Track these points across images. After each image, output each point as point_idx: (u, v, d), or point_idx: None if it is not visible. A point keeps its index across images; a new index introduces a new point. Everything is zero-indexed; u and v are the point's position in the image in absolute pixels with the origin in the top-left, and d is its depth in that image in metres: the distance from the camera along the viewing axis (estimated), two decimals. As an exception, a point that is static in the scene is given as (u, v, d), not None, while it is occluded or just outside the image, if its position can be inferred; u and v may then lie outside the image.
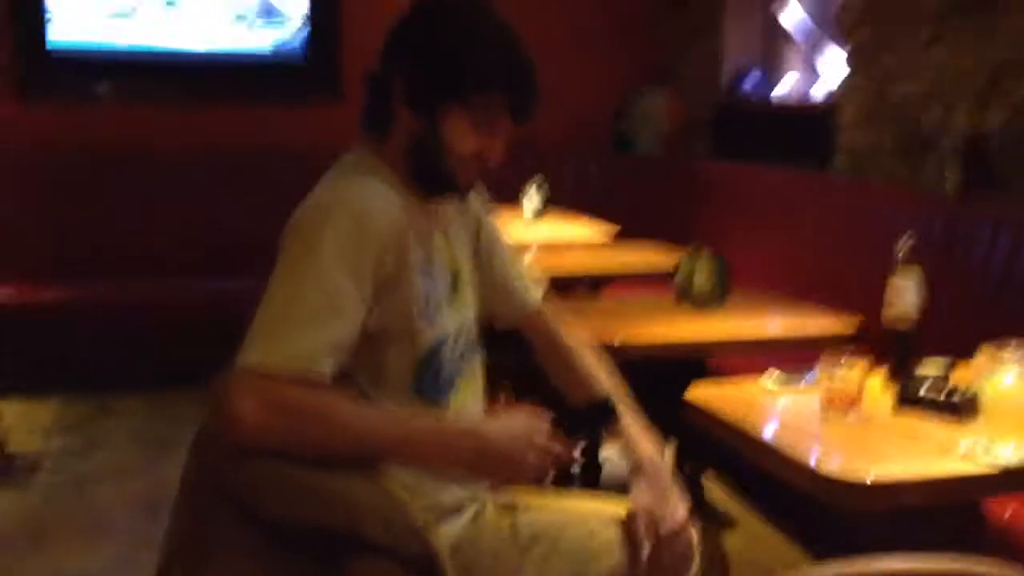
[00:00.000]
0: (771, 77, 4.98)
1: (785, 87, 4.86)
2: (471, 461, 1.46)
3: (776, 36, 4.99)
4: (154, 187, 4.80)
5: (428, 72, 1.54)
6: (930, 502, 1.55)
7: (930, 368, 1.83)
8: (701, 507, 2.98)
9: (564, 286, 3.41)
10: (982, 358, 1.55)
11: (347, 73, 5.06)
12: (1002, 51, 3.26)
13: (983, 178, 3.25)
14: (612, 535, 1.58)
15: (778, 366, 1.92)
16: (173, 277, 4.52)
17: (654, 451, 1.61)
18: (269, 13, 5.06)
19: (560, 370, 1.78)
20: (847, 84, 4.01)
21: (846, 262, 3.38)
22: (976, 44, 3.35)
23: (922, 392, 1.71)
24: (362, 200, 1.50)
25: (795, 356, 2.05)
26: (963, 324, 2.05)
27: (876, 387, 1.78)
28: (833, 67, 4.41)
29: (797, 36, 4.82)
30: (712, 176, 4.63)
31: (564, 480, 2.57)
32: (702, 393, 1.84)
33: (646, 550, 1.52)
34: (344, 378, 1.46)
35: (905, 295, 1.86)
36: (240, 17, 5.01)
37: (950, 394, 1.68)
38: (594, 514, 1.63)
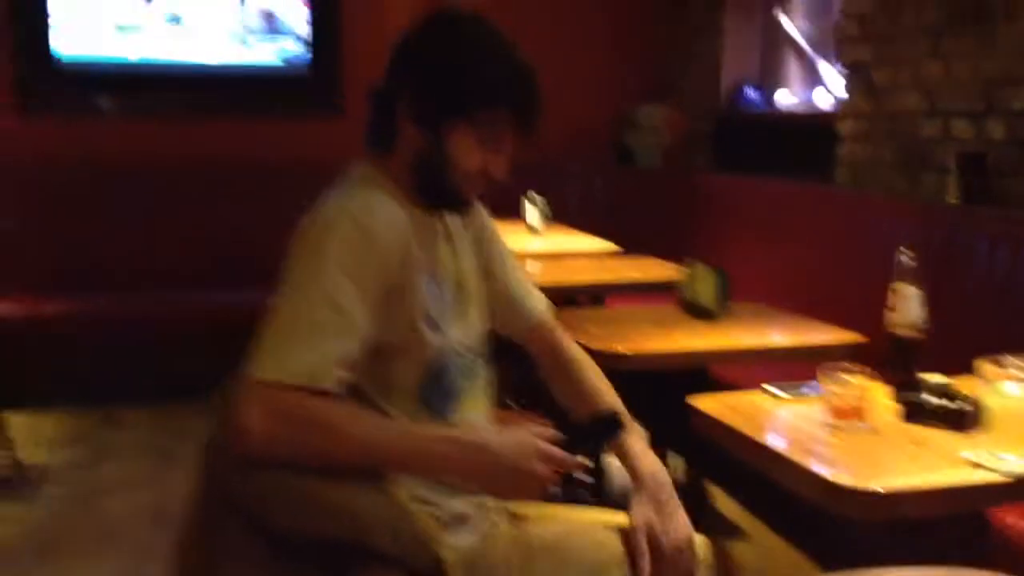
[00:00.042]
0: (771, 90, 5.00)
1: (785, 99, 4.89)
2: (478, 473, 1.48)
3: (776, 49, 5.02)
4: (157, 200, 4.82)
5: (434, 89, 1.55)
6: (937, 511, 1.56)
7: (932, 380, 1.84)
8: (707, 517, 2.99)
9: (566, 298, 3.44)
10: (985, 368, 1.56)
11: (348, 88, 5.09)
12: (999, 64, 3.28)
13: (982, 191, 3.27)
14: (619, 546, 1.58)
15: (779, 377, 1.93)
16: (177, 290, 4.54)
17: (655, 467, 1.62)
18: (271, 28, 5.09)
19: (563, 384, 1.80)
20: (845, 99, 4.03)
21: (846, 274, 3.39)
22: (973, 57, 3.38)
23: (926, 402, 1.73)
24: (367, 212, 1.51)
25: (796, 368, 2.07)
26: (962, 337, 2.06)
27: (880, 397, 1.80)
28: (832, 79, 4.44)
29: (797, 48, 4.85)
30: (713, 189, 4.65)
31: (570, 492, 2.58)
32: (707, 402, 1.85)
33: (647, 566, 1.53)
34: (351, 389, 1.48)
35: (909, 302, 1.87)
36: (242, 32, 5.04)
37: (955, 403, 1.70)
38: (601, 525, 1.63)
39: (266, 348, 1.41)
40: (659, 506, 1.58)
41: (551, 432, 1.50)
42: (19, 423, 3.94)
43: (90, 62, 4.87)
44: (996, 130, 3.30)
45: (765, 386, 1.89)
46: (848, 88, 4.01)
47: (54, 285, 4.42)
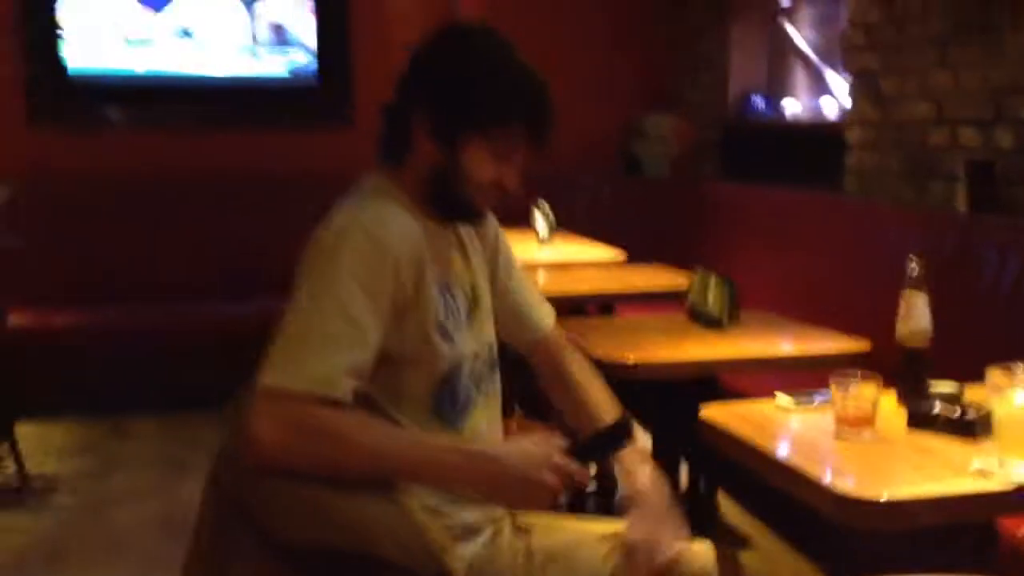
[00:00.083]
0: (778, 99, 5.01)
1: (792, 108, 4.89)
2: (487, 483, 1.48)
3: (783, 58, 5.03)
4: (166, 211, 4.85)
5: (449, 104, 1.56)
6: (944, 520, 1.55)
7: (941, 388, 1.84)
8: (715, 526, 2.99)
9: (575, 307, 3.44)
10: (993, 377, 1.56)
11: (357, 99, 5.11)
12: (1007, 72, 3.28)
13: (990, 199, 3.27)
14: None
15: (788, 386, 1.93)
16: (186, 300, 4.56)
17: (652, 482, 1.62)
18: (280, 41, 5.11)
19: (565, 399, 1.80)
20: (853, 108, 4.03)
21: (855, 283, 3.39)
22: (981, 66, 3.38)
23: (935, 411, 1.72)
24: (380, 223, 1.52)
25: (805, 376, 2.06)
26: (971, 346, 2.05)
27: (889, 406, 1.79)
28: (839, 88, 4.44)
29: (804, 57, 4.85)
30: (720, 197, 4.65)
31: (578, 502, 2.59)
32: (716, 412, 1.85)
33: None
34: (362, 398, 1.48)
35: (919, 312, 1.87)
36: (251, 44, 5.07)
37: (963, 413, 1.69)
38: (607, 536, 1.64)
39: (278, 358, 1.42)
40: (653, 520, 1.58)
41: (560, 442, 1.51)
42: (28, 433, 3.95)
43: (100, 74, 4.91)
44: (1004, 138, 3.30)
45: (778, 395, 1.88)
46: (855, 97, 4.01)
47: (63, 296, 4.45)
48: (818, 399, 1.84)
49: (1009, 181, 3.26)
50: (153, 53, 4.94)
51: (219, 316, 4.48)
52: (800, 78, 4.95)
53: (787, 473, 1.62)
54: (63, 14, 4.80)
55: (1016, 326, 2.74)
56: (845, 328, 2.62)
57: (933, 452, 1.64)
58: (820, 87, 4.76)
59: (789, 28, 4.97)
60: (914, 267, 1.88)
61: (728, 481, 3.08)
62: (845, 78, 4.19)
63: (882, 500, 1.47)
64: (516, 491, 1.47)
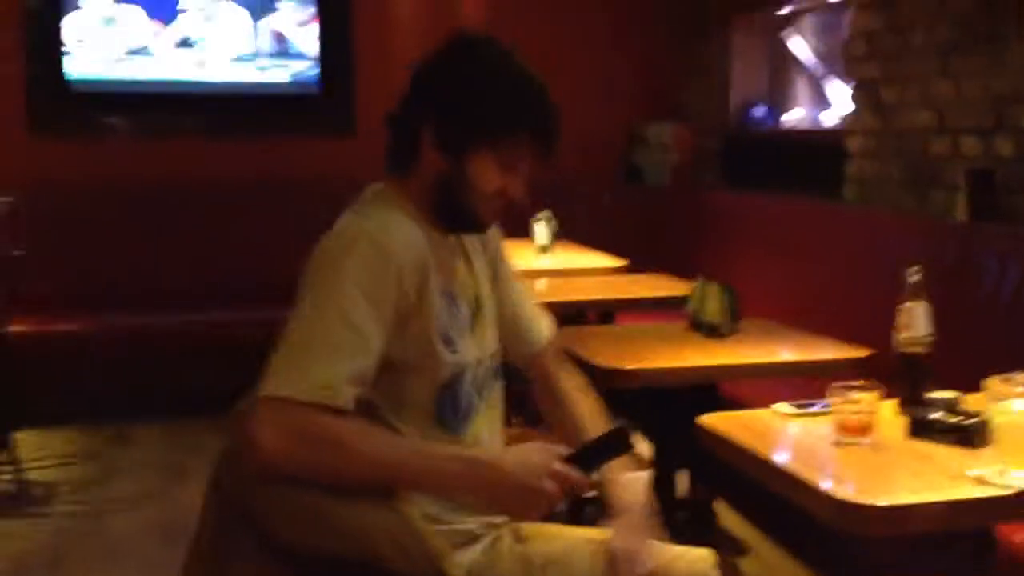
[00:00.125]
0: (779, 108, 5.02)
1: (793, 117, 4.90)
2: (488, 490, 1.48)
3: (784, 67, 5.04)
4: (168, 219, 4.86)
5: (456, 115, 1.57)
6: (943, 527, 1.56)
7: (940, 397, 1.84)
8: (715, 533, 2.99)
9: (575, 315, 3.45)
10: (992, 385, 1.57)
11: (360, 109, 5.12)
12: (1009, 82, 3.29)
13: (990, 208, 3.27)
14: None
15: (788, 393, 1.93)
16: (187, 308, 4.57)
17: (636, 496, 1.62)
18: (282, 50, 5.13)
19: (556, 414, 1.80)
20: (854, 116, 4.04)
21: (855, 291, 3.40)
22: (982, 75, 3.39)
23: (934, 418, 1.73)
24: (385, 231, 1.53)
25: (805, 384, 2.07)
26: (971, 355, 2.06)
27: (888, 414, 1.80)
28: (841, 95, 4.45)
29: (805, 66, 4.87)
30: (721, 206, 4.66)
31: (577, 509, 2.59)
32: (715, 420, 1.86)
33: None
34: (365, 405, 1.49)
35: (918, 320, 1.87)
36: (254, 53, 5.08)
37: (962, 420, 1.70)
38: (603, 543, 1.64)
39: (281, 365, 1.42)
40: (633, 531, 1.58)
41: (559, 449, 1.51)
42: (29, 440, 3.96)
43: (102, 83, 4.92)
44: (1005, 147, 3.31)
45: (775, 407, 1.89)
46: (856, 105, 4.03)
47: (64, 304, 4.45)
48: (817, 408, 1.85)
49: (1009, 190, 3.27)
50: (155, 62, 4.96)
51: (219, 323, 4.48)
52: (801, 87, 4.96)
53: (787, 480, 1.63)
54: (65, 23, 4.81)
55: (1016, 334, 2.75)
56: (845, 336, 2.62)
57: (932, 459, 1.64)
58: (821, 96, 4.77)
59: (790, 37, 4.98)
60: (914, 275, 1.89)
61: (727, 488, 3.08)
62: (846, 87, 4.20)
63: (881, 506, 1.47)
64: (516, 499, 1.47)
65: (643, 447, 2.71)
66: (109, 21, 4.88)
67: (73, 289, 4.57)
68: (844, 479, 1.61)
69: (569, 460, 1.49)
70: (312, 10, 5.12)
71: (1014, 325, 2.78)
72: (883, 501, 1.48)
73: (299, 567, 1.43)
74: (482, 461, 1.49)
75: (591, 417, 1.76)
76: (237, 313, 4.47)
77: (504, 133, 1.57)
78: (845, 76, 4.23)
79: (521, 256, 3.79)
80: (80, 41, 4.84)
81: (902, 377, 1.88)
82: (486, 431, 1.67)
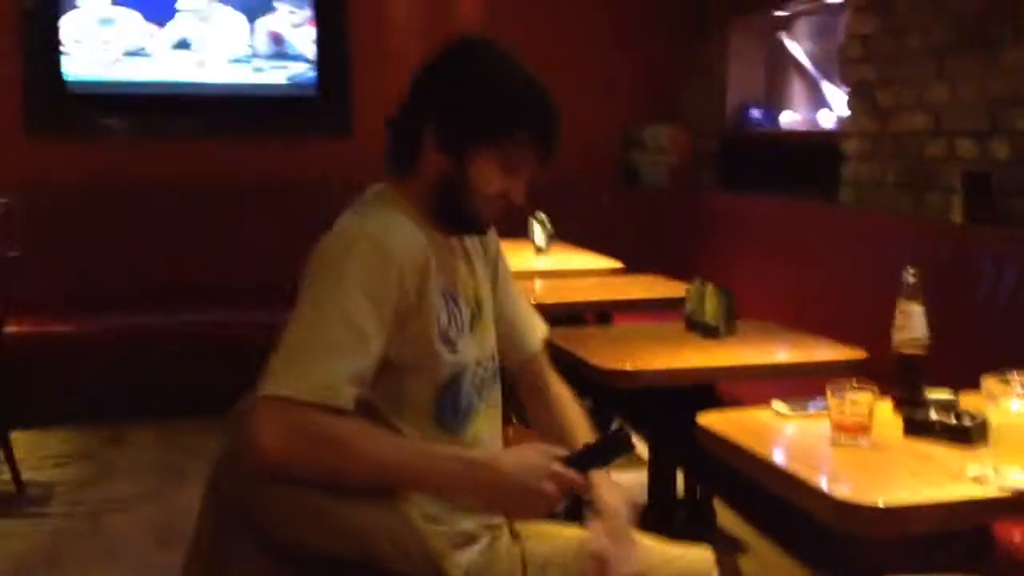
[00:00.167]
0: (776, 110, 5.03)
1: (790, 119, 4.91)
2: (487, 491, 1.48)
3: (780, 69, 5.05)
4: (164, 220, 4.86)
5: (458, 117, 1.58)
6: (941, 527, 1.57)
7: (936, 395, 1.85)
8: (714, 531, 2.99)
9: (572, 316, 3.45)
10: (989, 384, 1.57)
11: (356, 110, 5.13)
12: (1005, 85, 3.30)
13: (986, 210, 3.28)
14: None
15: (785, 394, 1.94)
16: (184, 308, 4.57)
17: (619, 500, 1.62)
18: (279, 51, 5.13)
19: (543, 420, 1.80)
20: (850, 118, 4.05)
21: (852, 292, 3.41)
22: (979, 78, 3.40)
23: (931, 418, 1.74)
24: (386, 232, 1.53)
25: (802, 385, 2.07)
26: (967, 356, 2.07)
27: (885, 414, 1.80)
28: (837, 99, 4.47)
29: (801, 69, 4.88)
30: (718, 208, 4.67)
31: (576, 510, 2.59)
32: (714, 419, 1.86)
33: None
34: (365, 405, 1.49)
35: (915, 320, 1.88)
36: (250, 55, 5.08)
37: (959, 419, 1.71)
38: (583, 543, 1.64)
39: (282, 364, 1.43)
40: (616, 537, 1.57)
41: (558, 451, 1.52)
42: (25, 441, 3.96)
43: (99, 84, 4.92)
44: (1001, 150, 3.32)
45: (774, 403, 1.89)
46: (852, 108, 4.04)
47: (61, 304, 4.45)
48: (812, 407, 1.85)
49: (1005, 192, 3.28)
50: (152, 63, 4.95)
51: (216, 324, 4.48)
52: (798, 89, 4.97)
53: (786, 480, 1.63)
54: (62, 24, 4.81)
55: (1012, 336, 2.75)
56: (842, 337, 2.63)
57: (929, 459, 1.65)
58: (818, 98, 4.78)
59: (787, 40, 4.99)
60: (910, 277, 1.89)
61: (723, 487, 3.08)
62: (843, 89, 4.21)
63: (880, 507, 1.48)
64: (515, 500, 1.48)
65: (641, 449, 2.72)
66: (106, 22, 4.88)
67: (70, 290, 4.57)
68: (842, 479, 1.61)
69: (567, 461, 1.50)
70: (309, 12, 5.13)
71: (1010, 327, 2.79)
72: (882, 501, 1.48)
73: (299, 568, 1.43)
74: (482, 462, 1.49)
75: (579, 425, 1.76)
76: (234, 314, 4.48)
77: (505, 135, 1.57)
78: (841, 79, 4.24)
79: (518, 257, 3.79)
80: (77, 42, 4.84)
81: (899, 377, 1.89)
82: (486, 431, 1.67)
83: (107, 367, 4.37)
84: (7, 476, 3.64)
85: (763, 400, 1.94)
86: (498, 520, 1.68)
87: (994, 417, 1.56)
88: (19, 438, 3.83)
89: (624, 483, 1.69)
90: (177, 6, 4.96)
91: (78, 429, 4.30)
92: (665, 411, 2.57)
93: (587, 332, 3.13)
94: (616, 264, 3.93)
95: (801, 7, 4.79)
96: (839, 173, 4.07)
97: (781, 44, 5.01)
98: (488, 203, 1.61)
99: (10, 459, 3.63)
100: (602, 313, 3.68)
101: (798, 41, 4.95)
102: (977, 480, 1.53)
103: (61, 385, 4.37)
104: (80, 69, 4.86)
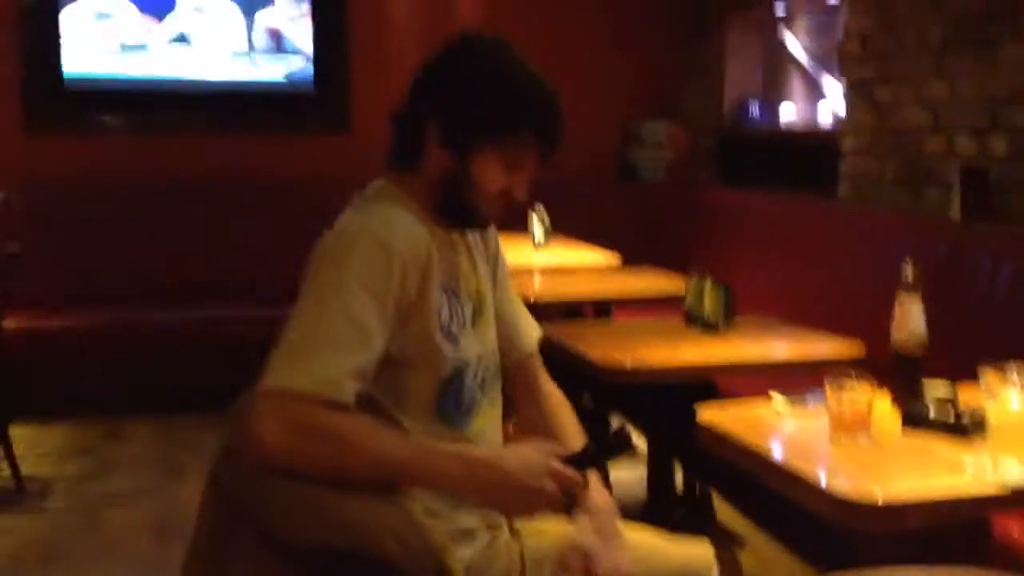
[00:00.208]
0: (774, 105, 5.03)
1: (788, 115, 4.92)
2: (487, 490, 1.48)
3: (779, 65, 5.05)
4: (162, 215, 4.86)
5: (462, 114, 1.58)
6: (940, 521, 1.57)
7: (935, 390, 1.85)
8: (712, 526, 3.00)
9: (571, 311, 3.46)
10: (987, 378, 1.58)
11: (355, 106, 5.12)
12: (1003, 81, 3.31)
13: (984, 207, 3.29)
14: None
15: (784, 389, 1.94)
16: (182, 304, 4.56)
17: (607, 502, 1.61)
18: (277, 47, 5.12)
19: (536, 419, 1.79)
20: (848, 115, 4.06)
21: (850, 288, 3.41)
22: (978, 75, 3.40)
23: (930, 413, 1.74)
24: (388, 228, 1.53)
25: (801, 379, 2.08)
26: (964, 352, 2.07)
27: (883, 408, 1.81)
28: (835, 95, 4.47)
29: (800, 64, 4.88)
30: (716, 203, 4.67)
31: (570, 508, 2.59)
32: (713, 415, 1.87)
33: None
34: (367, 399, 1.49)
35: (914, 317, 1.88)
36: (248, 51, 5.08)
37: (958, 415, 1.71)
38: (568, 537, 1.64)
39: (284, 359, 1.43)
40: (605, 536, 1.56)
41: (558, 449, 1.52)
42: (24, 436, 3.96)
43: (97, 80, 4.91)
44: (999, 146, 3.32)
45: (773, 395, 1.90)
46: (851, 104, 4.04)
47: (59, 300, 4.45)
48: (810, 399, 1.86)
49: (1003, 189, 3.29)
50: (150, 59, 4.95)
51: (213, 320, 4.48)
52: (796, 85, 4.97)
53: (785, 476, 1.64)
54: (60, 20, 4.80)
55: (1009, 332, 2.76)
56: (840, 332, 2.63)
57: (928, 453, 1.66)
58: (816, 94, 4.78)
59: (785, 36, 4.99)
60: (908, 271, 1.90)
61: (721, 482, 3.09)
62: (841, 86, 4.22)
63: (878, 502, 1.48)
64: (514, 498, 1.48)
65: (641, 445, 2.72)
66: (103, 17, 4.87)
67: (68, 285, 4.57)
68: (841, 474, 1.62)
69: (567, 460, 1.50)
70: (307, 7, 5.12)
71: (1007, 323, 2.80)
72: (881, 496, 1.48)
73: (299, 562, 1.43)
74: (483, 461, 1.49)
75: (570, 428, 1.77)
76: (232, 310, 4.48)
77: (509, 133, 1.58)
78: (840, 75, 4.24)
79: (517, 251, 3.80)
80: (75, 38, 4.83)
81: (896, 371, 1.89)
82: (489, 427, 1.67)
83: (106, 362, 4.38)
84: (6, 471, 3.64)
85: (762, 394, 1.95)
86: (497, 517, 1.68)
87: (992, 410, 1.57)
88: (18, 433, 3.83)
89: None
90: (175, 1, 4.95)
91: (77, 424, 4.30)
92: (664, 406, 2.57)
93: (586, 327, 3.14)
94: (614, 258, 3.94)
95: (799, 3, 4.79)
96: (837, 169, 4.07)
97: (779, 40, 5.01)
98: (491, 200, 1.61)
99: (9, 454, 3.63)
100: (600, 307, 3.69)
101: (796, 37, 4.95)
102: (976, 475, 1.54)
103: (60, 380, 4.38)
104: (78, 65, 4.85)
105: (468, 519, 1.62)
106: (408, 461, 1.46)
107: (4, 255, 4.00)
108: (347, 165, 4.27)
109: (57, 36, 4.79)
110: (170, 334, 4.43)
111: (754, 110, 5.10)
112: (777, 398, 1.90)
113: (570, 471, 1.49)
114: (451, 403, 1.60)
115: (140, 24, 4.91)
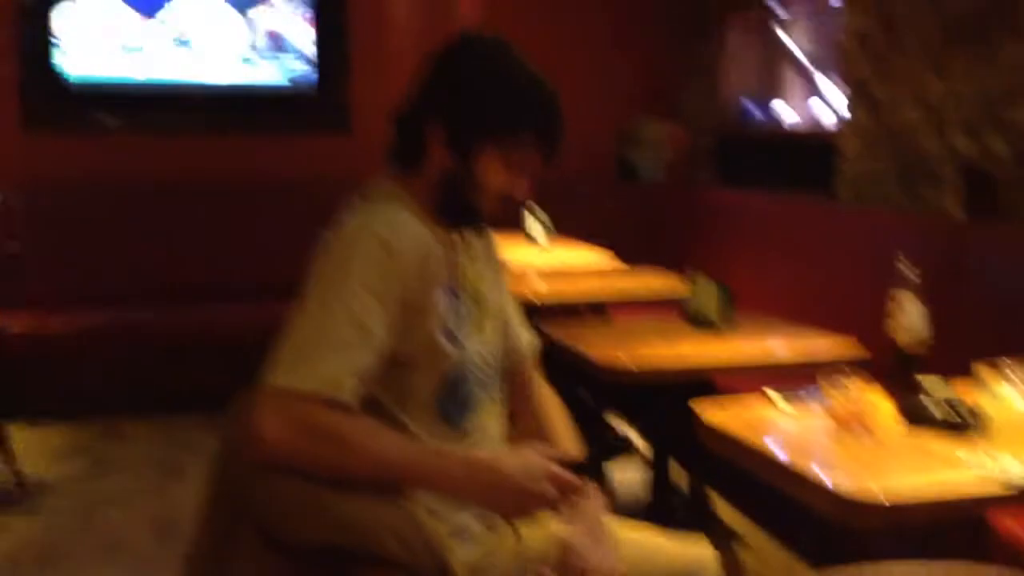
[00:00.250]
0: (773, 105, 5.03)
1: (786, 115, 4.92)
2: (487, 493, 1.49)
3: (777, 65, 5.06)
4: (162, 216, 4.86)
5: (464, 114, 1.59)
6: (938, 517, 1.57)
7: (934, 388, 1.86)
8: (712, 525, 3.00)
9: (569, 310, 3.46)
10: (984, 374, 1.58)
11: (355, 107, 5.12)
12: (1001, 80, 3.31)
13: (983, 205, 3.29)
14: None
15: (782, 384, 1.94)
16: (180, 304, 4.57)
17: (597, 500, 1.61)
18: (278, 49, 5.12)
19: (530, 423, 1.80)
20: (847, 114, 4.06)
21: (849, 288, 3.41)
22: (976, 73, 3.41)
23: (930, 410, 1.74)
24: (391, 229, 1.54)
25: (800, 379, 2.08)
26: (964, 351, 2.07)
27: (882, 406, 1.81)
28: (833, 94, 4.47)
29: (798, 64, 4.88)
30: (715, 203, 4.68)
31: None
32: (712, 413, 1.86)
33: None
34: (368, 399, 1.49)
35: (912, 315, 1.89)
36: (249, 52, 5.07)
37: (958, 411, 1.71)
38: (557, 534, 1.64)
39: (285, 359, 1.43)
40: (590, 533, 1.56)
41: (559, 452, 1.52)
42: (22, 435, 3.95)
43: (97, 82, 4.91)
44: (997, 145, 3.32)
45: (767, 390, 1.90)
46: (850, 104, 4.04)
47: (58, 300, 4.45)
48: (805, 396, 1.86)
49: (1002, 187, 3.29)
50: (150, 60, 4.95)
51: (213, 320, 4.48)
52: (794, 85, 4.97)
53: (787, 474, 1.63)
54: (58, 21, 4.80)
55: (1007, 330, 2.76)
56: (839, 332, 2.63)
57: (927, 449, 1.66)
58: (814, 94, 4.78)
59: (784, 36, 4.99)
60: (907, 270, 1.90)
61: (718, 479, 3.09)
62: (839, 85, 4.22)
63: (878, 499, 1.48)
64: (514, 501, 1.49)
65: (640, 444, 2.73)
66: (102, 18, 4.87)
67: (68, 286, 4.57)
68: (840, 471, 1.62)
69: (566, 463, 1.50)
70: (308, 9, 5.12)
71: (1005, 320, 2.80)
72: (880, 493, 1.48)
73: (300, 560, 1.44)
74: (483, 463, 1.50)
75: (565, 432, 1.77)
76: (232, 310, 4.48)
77: (510, 134, 1.59)
78: (838, 75, 4.24)
79: (516, 250, 3.80)
80: (74, 38, 4.83)
81: (895, 369, 1.90)
82: (491, 425, 1.68)
83: (105, 362, 4.38)
84: (5, 471, 3.64)
85: (763, 392, 1.95)
86: (499, 518, 1.68)
87: (989, 406, 1.57)
88: (17, 433, 3.83)
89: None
90: (174, 2, 4.94)
91: (76, 424, 4.29)
92: (664, 405, 2.57)
93: (585, 326, 3.14)
94: (613, 258, 3.94)
95: (799, 3, 4.79)
96: (836, 168, 4.07)
97: (778, 40, 5.01)
98: (492, 200, 1.62)
99: (8, 454, 3.63)
100: (599, 308, 3.68)
101: (794, 37, 4.95)
102: (976, 472, 1.54)
103: (59, 380, 4.37)
104: (78, 66, 4.85)
105: (467, 518, 1.63)
106: (409, 462, 1.46)
107: (3, 255, 4.00)
108: (347, 166, 4.28)
109: (56, 37, 4.78)
110: (170, 334, 4.44)
111: (753, 110, 5.10)
112: (772, 396, 1.90)
113: (568, 474, 1.49)
114: (452, 402, 1.60)
115: (140, 25, 4.91)
